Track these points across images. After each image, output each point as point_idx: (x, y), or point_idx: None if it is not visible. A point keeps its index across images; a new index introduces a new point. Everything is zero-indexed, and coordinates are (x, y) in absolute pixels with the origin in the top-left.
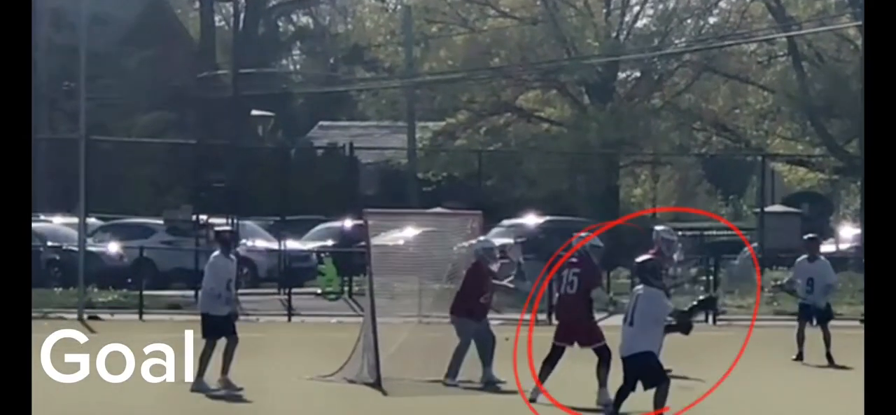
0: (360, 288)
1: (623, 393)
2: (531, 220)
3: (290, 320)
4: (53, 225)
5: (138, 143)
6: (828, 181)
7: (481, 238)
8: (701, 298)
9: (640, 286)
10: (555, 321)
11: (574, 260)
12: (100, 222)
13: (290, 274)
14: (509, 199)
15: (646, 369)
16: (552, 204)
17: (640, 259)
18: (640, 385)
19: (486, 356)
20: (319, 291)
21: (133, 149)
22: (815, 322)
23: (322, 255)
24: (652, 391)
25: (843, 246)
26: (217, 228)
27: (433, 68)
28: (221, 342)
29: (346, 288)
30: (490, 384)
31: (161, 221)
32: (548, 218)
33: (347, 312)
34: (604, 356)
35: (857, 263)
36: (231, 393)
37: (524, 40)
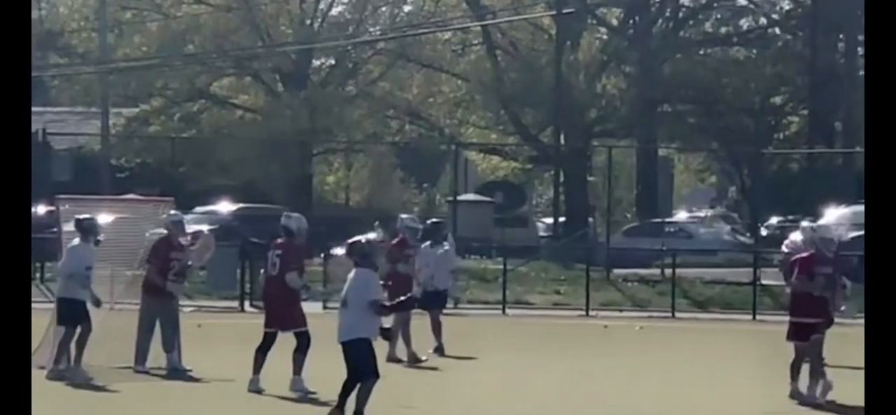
0: (52, 275)
1: (348, 387)
2: (225, 207)
3: None
4: None
5: None
6: (521, 170)
7: (171, 211)
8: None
9: (354, 268)
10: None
11: (279, 241)
12: None
13: None
14: (204, 186)
15: (358, 358)
16: (246, 191)
17: (350, 241)
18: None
19: (168, 342)
20: None
21: None
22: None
23: None
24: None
25: (538, 234)
26: (78, 217)
27: (127, 54)
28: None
29: (37, 275)
30: (175, 372)
31: None
32: (241, 205)
33: (39, 298)
34: (302, 343)
35: (550, 251)
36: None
37: (219, 27)
